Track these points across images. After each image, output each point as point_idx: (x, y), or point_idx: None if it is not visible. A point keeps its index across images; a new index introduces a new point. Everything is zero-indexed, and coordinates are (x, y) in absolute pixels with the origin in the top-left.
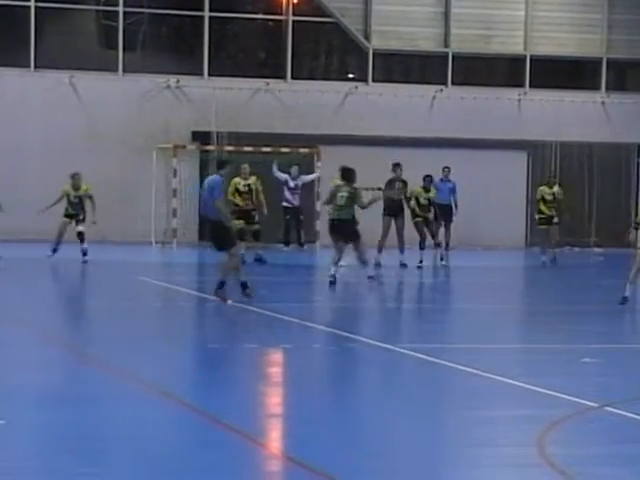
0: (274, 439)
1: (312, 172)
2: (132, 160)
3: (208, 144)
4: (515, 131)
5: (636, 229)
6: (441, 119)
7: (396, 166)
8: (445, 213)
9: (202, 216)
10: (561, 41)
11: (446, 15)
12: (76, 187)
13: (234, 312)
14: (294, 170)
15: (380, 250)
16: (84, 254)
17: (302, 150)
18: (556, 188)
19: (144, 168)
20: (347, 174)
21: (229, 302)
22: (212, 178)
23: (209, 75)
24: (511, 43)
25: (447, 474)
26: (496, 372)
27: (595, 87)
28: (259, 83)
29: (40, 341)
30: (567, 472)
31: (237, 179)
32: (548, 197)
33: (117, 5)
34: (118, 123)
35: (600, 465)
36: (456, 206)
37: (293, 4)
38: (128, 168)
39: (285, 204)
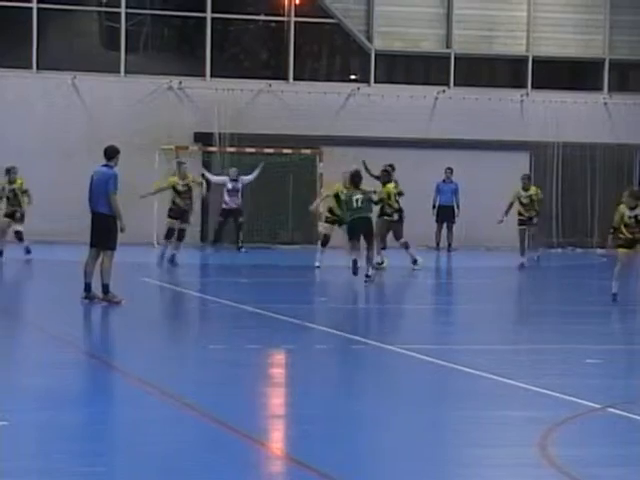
0: (276, 439)
1: (315, 173)
2: (134, 161)
3: (210, 145)
4: (517, 132)
5: (612, 234)
6: (443, 120)
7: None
8: (447, 214)
9: (91, 211)
10: (563, 42)
11: (448, 16)
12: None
13: (235, 313)
14: (232, 172)
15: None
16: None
17: (304, 151)
18: (533, 190)
19: (146, 169)
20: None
21: (124, 301)
22: (103, 170)
23: (211, 76)
24: (513, 44)
25: (449, 474)
26: (498, 373)
27: (597, 88)
28: (261, 84)
29: (41, 341)
30: (570, 473)
31: (341, 187)
32: (524, 200)
33: (119, 6)
34: (120, 124)
35: (603, 466)
36: (458, 207)
37: (295, 5)
38: (130, 169)
39: (224, 206)
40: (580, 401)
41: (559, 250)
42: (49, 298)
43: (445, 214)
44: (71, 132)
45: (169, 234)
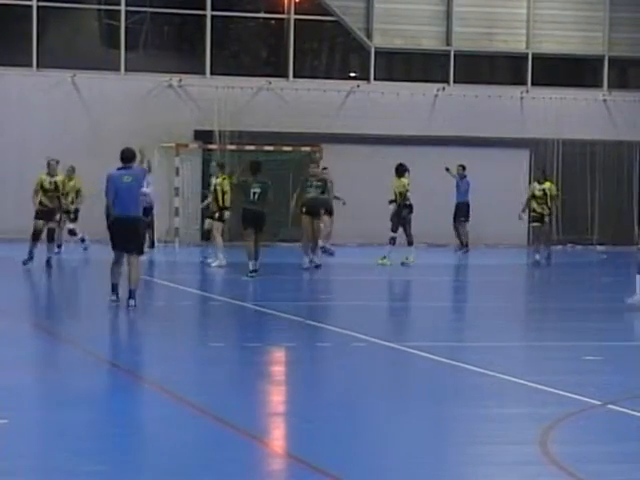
0: (278, 437)
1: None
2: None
3: (210, 143)
4: (517, 129)
5: None
6: (443, 117)
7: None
8: (461, 211)
9: (122, 215)
10: (563, 39)
11: (448, 13)
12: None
13: (236, 312)
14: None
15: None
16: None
17: (304, 148)
18: (547, 184)
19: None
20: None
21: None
22: (135, 172)
23: (211, 74)
24: (513, 41)
25: (450, 472)
26: (499, 370)
27: (597, 85)
28: (261, 82)
29: (42, 339)
30: (570, 470)
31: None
32: (538, 193)
33: (119, 4)
34: (120, 122)
35: (603, 463)
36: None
37: (295, 3)
38: None
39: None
40: (580, 398)
41: (559, 247)
42: (46, 297)
43: (458, 211)
44: (71, 130)
45: None
